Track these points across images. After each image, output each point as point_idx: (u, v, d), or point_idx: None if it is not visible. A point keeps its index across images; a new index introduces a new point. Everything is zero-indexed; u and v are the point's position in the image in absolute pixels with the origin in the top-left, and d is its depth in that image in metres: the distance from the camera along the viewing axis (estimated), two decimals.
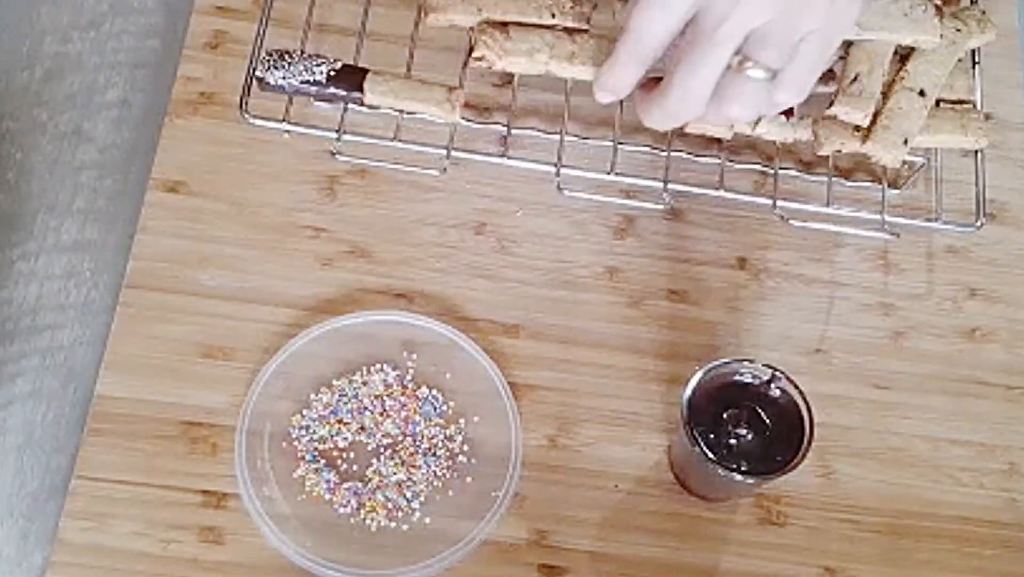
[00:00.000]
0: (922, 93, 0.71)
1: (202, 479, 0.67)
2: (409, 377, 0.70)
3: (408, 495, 0.67)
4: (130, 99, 0.77)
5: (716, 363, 0.63)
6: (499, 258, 0.74)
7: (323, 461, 0.68)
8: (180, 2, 0.79)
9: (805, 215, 0.73)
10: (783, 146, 0.74)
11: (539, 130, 0.74)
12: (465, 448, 0.69)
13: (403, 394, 0.70)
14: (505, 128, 0.73)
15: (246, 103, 0.71)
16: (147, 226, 0.73)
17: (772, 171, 0.74)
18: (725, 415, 0.63)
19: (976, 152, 0.73)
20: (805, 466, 0.62)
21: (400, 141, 0.71)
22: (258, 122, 0.71)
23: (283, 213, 0.74)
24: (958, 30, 0.72)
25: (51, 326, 0.71)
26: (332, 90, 0.70)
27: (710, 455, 0.62)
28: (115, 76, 0.77)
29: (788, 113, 0.71)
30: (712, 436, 0.62)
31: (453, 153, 0.71)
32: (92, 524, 0.66)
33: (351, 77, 0.70)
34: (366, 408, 0.69)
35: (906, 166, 0.75)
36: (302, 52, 0.71)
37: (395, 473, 0.68)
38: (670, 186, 0.72)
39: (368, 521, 0.67)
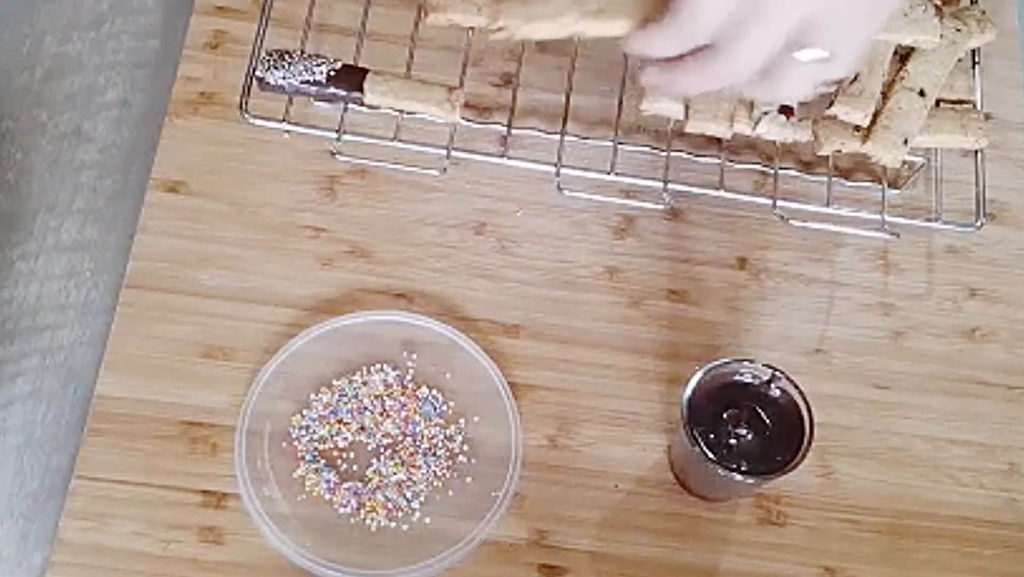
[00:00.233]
0: (922, 93, 0.71)
1: (202, 479, 0.67)
2: (409, 377, 0.70)
3: (408, 495, 0.67)
4: (130, 99, 0.77)
5: (716, 363, 0.63)
6: (499, 258, 0.74)
7: (323, 461, 0.68)
8: (180, 2, 0.79)
9: (805, 215, 0.73)
10: (783, 146, 0.74)
11: (539, 130, 0.74)
12: (465, 448, 0.69)
13: (403, 394, 0.70)
14: (505, 128, 0.73)
15: (246, 103, 0.71)
16: (147, 226, 0.73)
17: (772, 171, 0.74)
18: (725, 415, 0.63)
19: (976, 152, 0.73)
20: (805, 466, 0.62)
21: (400, 141, 0.71)
22: (258, 122, 0.71)
23: (283, 213, 0.74)
24: (958, 30, 0.72)
25: (51, 326, 0.71)
26: (332, 90, 0.70)
27: (710, 455, 0.62)
28: (115, 76, 0.77)
29: (788, 113, 0.71)
30: (712, 436, 0.62)
31: (453, 153, 0.71)
32: (92, 524, 0.66)
33: (351, 77, 0.70)
34: (366, 408, 0.69)
35: (906, 166, 0.75)
36: (302, 52, 0.71)
37: (395, 473, 0.68)
38: (670, 186, 0.72)
39: (368, 521, 0.67)
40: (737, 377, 0.64)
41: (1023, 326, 0.75)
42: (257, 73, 0.70)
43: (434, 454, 0.68)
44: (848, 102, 0.69)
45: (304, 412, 0.69)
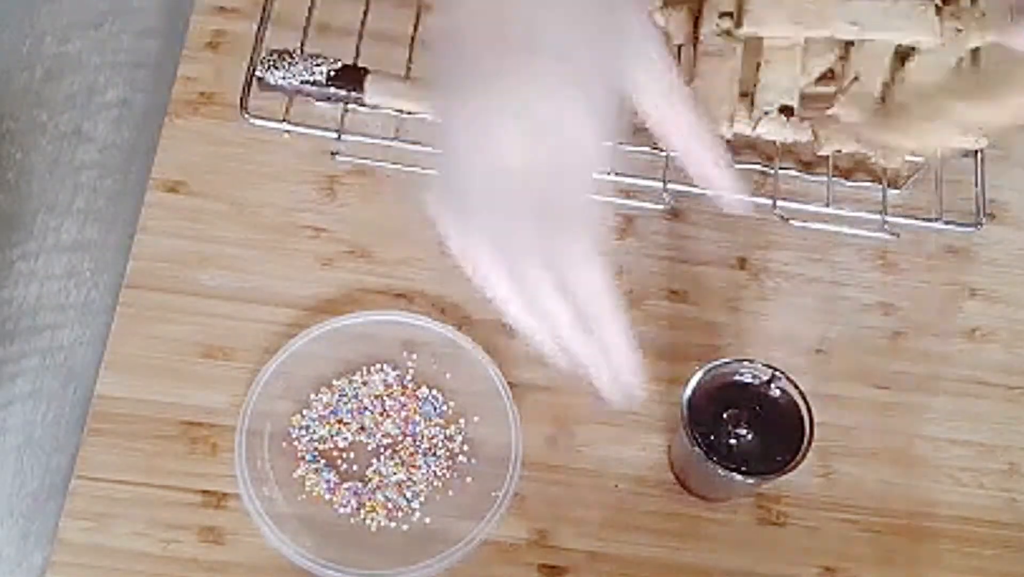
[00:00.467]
0: None
1: (202, 479, 0.67)
2: (409, 377, 0.70)
3: (408, 495, 0.67)
4: (130, 99, 0.77)
5: (716, 363, 0.63)
6: None
7: (323, 461, 0.68)
8: (180, 2, 0.79)
9: (805, 215, 0.73)
10: (783, 146, 0.74)
11: None
12: (465, 448, 0.69)
13: (403, 394, 0.70)
14: None
15: (246, 103, 0.71)
16: (147, 226, 0.73)
17: (772, 171, 0.74)
18: (725, 415, 0.63)
19: (976, 152, 0.73)
20: (805, 466, 0.62)
21: (400, 141, 0.71)
22: (258, 122, 0.71)
23: (283, 213, 0.74)
24: (958, 30, 0.72)
25: (51, 326, 0.71)
26: (332, 90, 0.70)
27: (710, 455, 0.62)
28: (115, 76, 0.77)
29: (788, 113, 0.71)
30: (712, 436, 0.62)
31: None
32: (92, 524, 0.66)
33: (351, 77, 0.70)
34: (366, 408, 0.69)
35: (906, 166, 0.75)
36: (302, 52, 0.71)
37: (395, 473, 0.68)
38: (670, 186, 0.72)
39: (368, 521, 0.67)
40: (737, 377, 0.64)
41: (1023, 326, 0.75)
42: (257, 73, 0.70)
43: (434, 454, 0.68)
44: (848, 102, 0.69)
45: (304, 412, 0.69)
